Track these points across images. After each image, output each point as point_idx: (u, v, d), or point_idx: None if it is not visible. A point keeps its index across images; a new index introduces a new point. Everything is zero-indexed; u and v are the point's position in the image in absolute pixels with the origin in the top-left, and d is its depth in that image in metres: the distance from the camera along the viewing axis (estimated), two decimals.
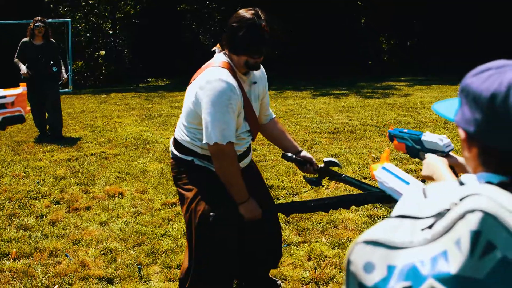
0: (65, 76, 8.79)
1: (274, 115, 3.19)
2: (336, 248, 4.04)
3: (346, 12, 21.81)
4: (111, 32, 22.14)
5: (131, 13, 22.26)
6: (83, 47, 21.22)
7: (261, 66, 2.90)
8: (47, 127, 8.59)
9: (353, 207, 4.76)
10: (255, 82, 2.87)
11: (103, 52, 22.12)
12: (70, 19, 16.75)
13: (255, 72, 2.86)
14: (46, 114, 8.52)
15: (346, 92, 13.64)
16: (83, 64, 21.54)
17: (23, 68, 8.04)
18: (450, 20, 20.57)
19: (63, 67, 8.53)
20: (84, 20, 21.50)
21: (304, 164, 3.04)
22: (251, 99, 2.82)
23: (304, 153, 3.07)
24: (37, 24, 8.11)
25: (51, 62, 8.19)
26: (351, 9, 21.78)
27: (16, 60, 8.20)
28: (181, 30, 21.73)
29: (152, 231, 4.51)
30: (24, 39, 8.24)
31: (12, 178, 6.16)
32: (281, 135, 3.14)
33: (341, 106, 11.02)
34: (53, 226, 4.67)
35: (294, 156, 3.06)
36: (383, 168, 1.85)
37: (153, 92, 15.41)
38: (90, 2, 21.36)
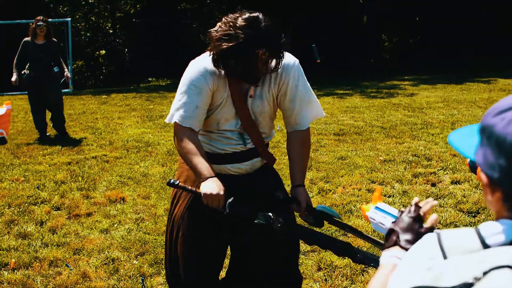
0: (69, 75, 8.72)
1: (302, 128, 2.63)
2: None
3: (347, 10, 21.68)
4: (111, 31, 22.01)
5: (131, 12, 22.14)
6: (83, 47, 21.13)
7: (293, 60, 2.54)
8: (51, 124, 8.52)
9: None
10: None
11: (103, 52, 22.01)
12: (70, 19, 16.64)
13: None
14: (48, 114, 8.43)
15: (350, 92, 13.49)
16: (83, 64, 21.45)
17: (14, 76, 8.05)
18: (452, 17, 20.44)
19: (65, 66, 8.48)
20: (84, 19, 21.41)
21: (291, 203, 2.62)
22: (248, 96, 2.52)
23: (297, 190, 2.61)
24: (39, 23, 8.08)
25: (52, 62, 8.12)
26: (352, 7, 21.65)
27: (15, 62, 8.12)
28: (182, 29, 21.59)
29: (155, 239, 4.36)
30: (26, 39, 8.20)
31: (11, 183, 6.01)
32: (293, 157, 2.66)
33: (345, 106, 10.86)
34: (53, 234, 4.53)
35: (281, 197, 2.63)
36: (376, 208, 1.68)
37: (154, 92, 15.27)
38: (90, 1, 21.26)
